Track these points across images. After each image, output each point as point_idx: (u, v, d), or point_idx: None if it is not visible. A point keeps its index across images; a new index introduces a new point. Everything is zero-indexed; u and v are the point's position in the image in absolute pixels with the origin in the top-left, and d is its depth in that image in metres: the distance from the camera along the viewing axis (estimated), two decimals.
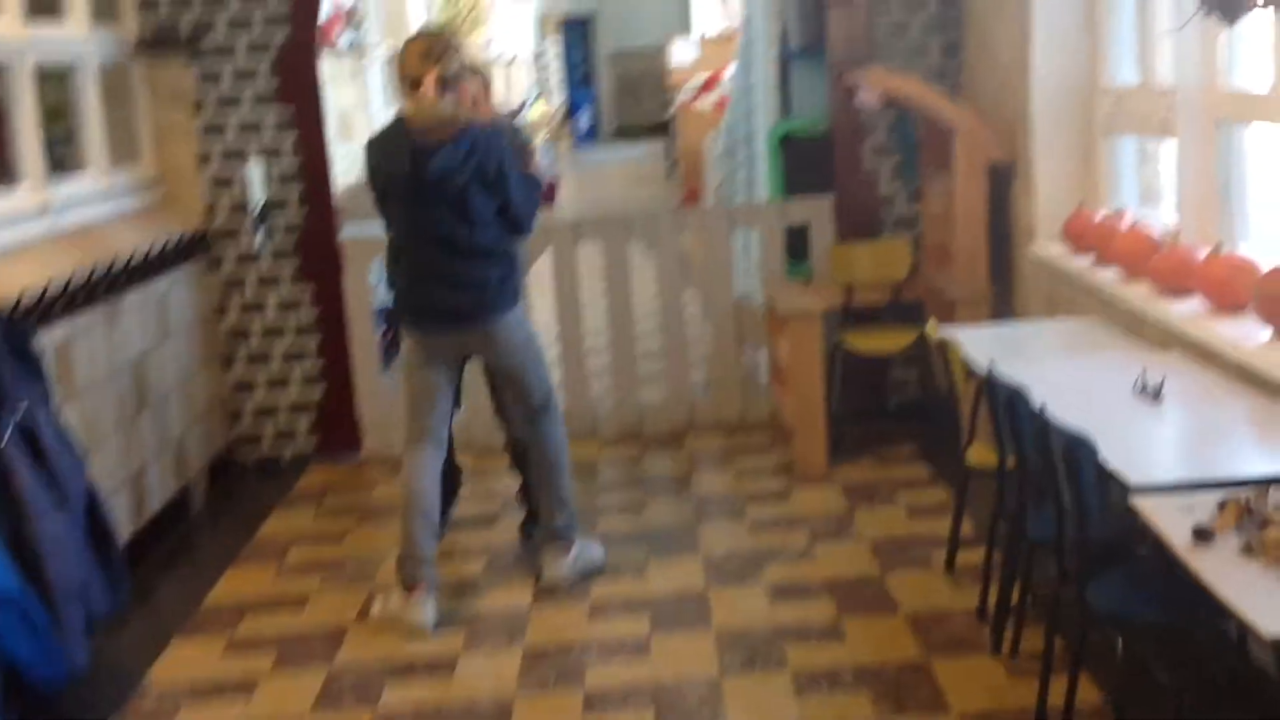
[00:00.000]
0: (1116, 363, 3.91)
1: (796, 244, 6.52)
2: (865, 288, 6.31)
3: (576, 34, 28.92)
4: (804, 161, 6.50)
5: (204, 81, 6.39)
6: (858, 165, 6.40)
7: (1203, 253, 4.08)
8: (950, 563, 4.54)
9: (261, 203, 6.44)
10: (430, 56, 4.42)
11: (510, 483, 5.60)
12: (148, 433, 5.61)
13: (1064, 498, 3.12)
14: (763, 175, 7.20)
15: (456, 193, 4.41)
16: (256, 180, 6.43)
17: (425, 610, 4.49)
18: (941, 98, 5.53)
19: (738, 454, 6.13)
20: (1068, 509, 3.12)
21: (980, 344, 4.17)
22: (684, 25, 26.69)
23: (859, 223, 6.43)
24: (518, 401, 4.77)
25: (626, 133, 28.34)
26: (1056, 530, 3.22)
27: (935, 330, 4.42)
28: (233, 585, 5.12)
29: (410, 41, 4.54)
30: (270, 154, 6.43)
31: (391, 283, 4.68)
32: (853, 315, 6.11)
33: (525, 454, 4.99)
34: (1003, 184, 5.61)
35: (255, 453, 6.63)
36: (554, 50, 28.25)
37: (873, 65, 6.20)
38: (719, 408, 6.59)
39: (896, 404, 6.52)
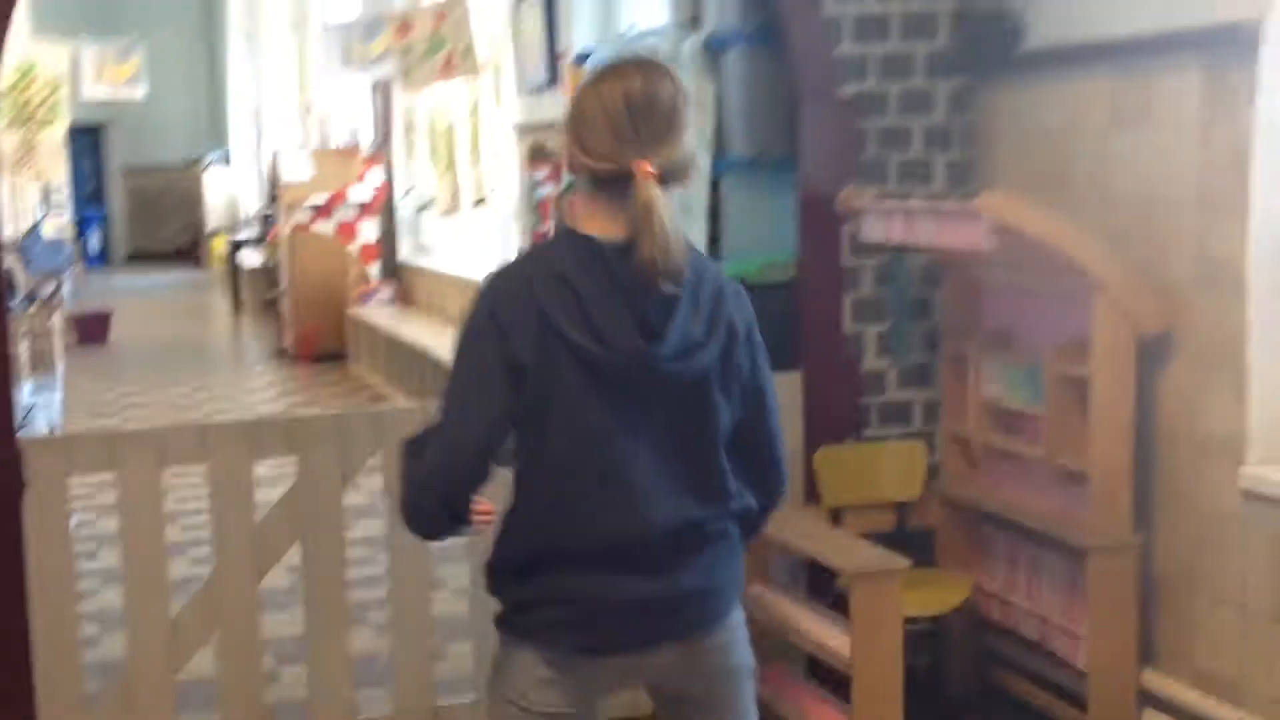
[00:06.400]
0: None
1: None
2: (858, 510, 4.29)
3: (85, 144, 25.38)
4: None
5: None
6: (836, 329, 4.39)
7: None
8: None
9: None
10: (644, 132, 2.28)
11: None
12: None
13: None
14: None
15: (692, 387, 2.33)
16: None
17: None
18: (1086, 242, 3.62)
19: None
20: None
21: None
22: (217, 139, 24.08)
23: (835, 411, 4.39)
24: None
25: (144, 258, 25.12)
26: None
27: None
28: None
29: (593, 89, 2.33)
30: None
31: (518, 554, 2.38)
32: None
33: None
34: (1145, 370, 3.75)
35: None
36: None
37: (860, 186, 4.26)
38: None
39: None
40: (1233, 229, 3.47)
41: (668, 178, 2.28)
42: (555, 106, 7.20)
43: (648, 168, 2.24)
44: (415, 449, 2.36)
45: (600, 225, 2.30)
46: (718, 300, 2.34)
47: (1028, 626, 4.06)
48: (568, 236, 2.33)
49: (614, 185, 2.28)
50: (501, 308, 2.28)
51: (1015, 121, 4.26)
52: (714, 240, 4.64)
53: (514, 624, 2.39)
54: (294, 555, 3.98)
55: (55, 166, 10.09)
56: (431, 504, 2.33)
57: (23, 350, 6.11)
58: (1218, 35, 3.44)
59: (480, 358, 2.29)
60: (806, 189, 4.30)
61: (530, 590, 2.35)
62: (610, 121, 2.27)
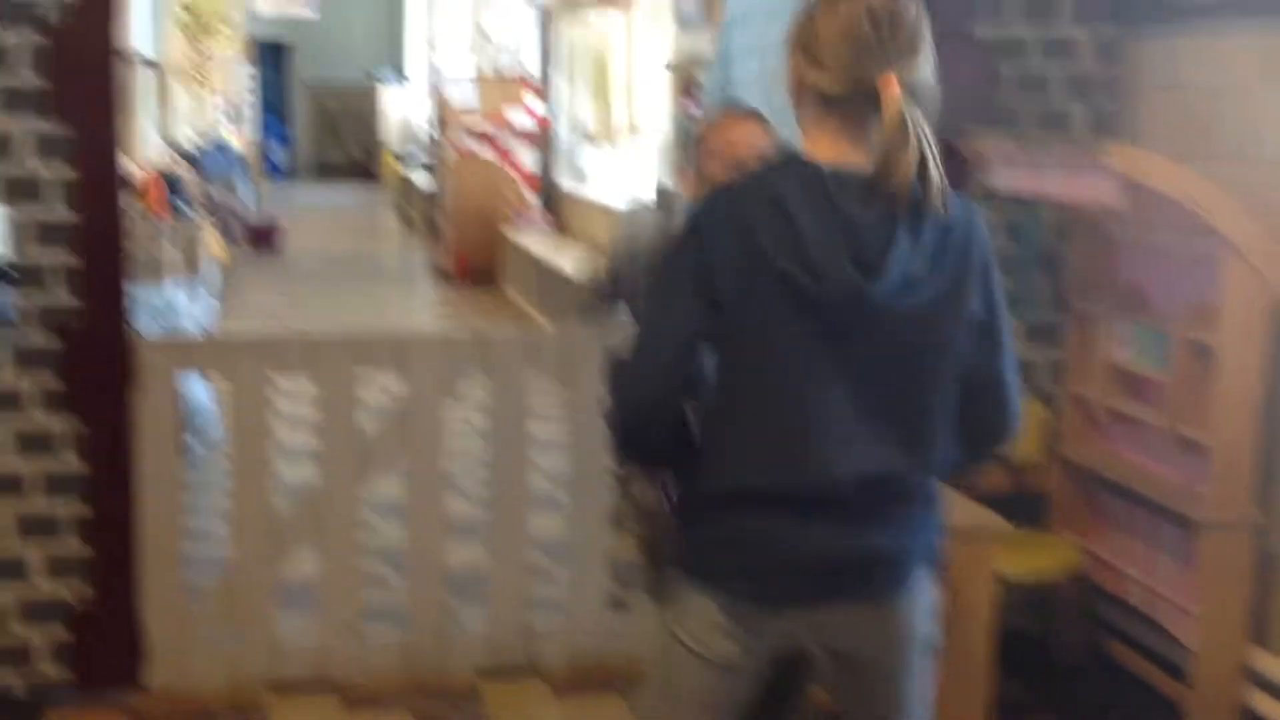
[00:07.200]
0: None
1: None
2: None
3: (270, 60, 25.95)
4: None
5: None
6: None
7: None
8: None
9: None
10: (889, 46, 2.07)
11: None
12: None
13: None
14: None
15: (911, 329, 2.10)
16: None
17: None
18: (1222, 202, 3.44)
19: None
20: None
21: None
22: (394, 60, 24.43)
23: None
24: None
25: (327, 172, 25.77)
26: None
27: None
28: None
29: (829, 8, 2.10)
30: (23, 197, 3.73)
31: (704, 494, 2.22)
32: None
33: None
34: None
35: None
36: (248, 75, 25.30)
37: (997, 135, 4.11)
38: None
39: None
40: None
41: (911, 98, 2.08)
42: (706, 42, 7.11)
43: (894, 82, 2.05)
44: (616, 371, 2.27)
45: (830, 150, 2.10)
46: (945, 231, 2.11)
47: (1139, 597, 3.91)
48: (791, 161, 2.13)
49: (849, 105, 2.08)
50: (708, 227, 2.10)
51: (1161, 74, 4.06)
52: None
53: (693, 565, 2.25)
54: None
55: (229, 80, 10.28)
56: (621, 428, 2.21)
57: (170, 251, 6.29)
58: None
59: (675, 277, 2.14)
60: (935, 132, 4.16)
61: (712, 532, 2.20)
62: (849, 36, 2.07)
